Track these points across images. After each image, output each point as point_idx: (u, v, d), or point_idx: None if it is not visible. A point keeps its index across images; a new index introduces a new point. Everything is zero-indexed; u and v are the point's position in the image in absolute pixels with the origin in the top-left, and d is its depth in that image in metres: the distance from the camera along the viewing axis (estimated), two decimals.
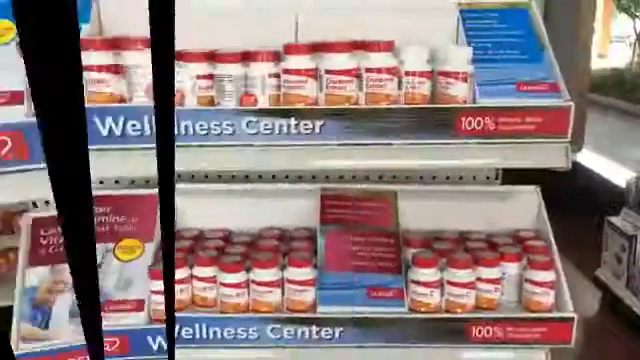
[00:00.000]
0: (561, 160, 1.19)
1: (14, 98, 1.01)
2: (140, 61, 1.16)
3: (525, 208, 1.46)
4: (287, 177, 1.62)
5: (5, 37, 1.01)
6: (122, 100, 1.18)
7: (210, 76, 1.22)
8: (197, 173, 1.59)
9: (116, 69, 1.16)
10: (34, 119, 0.90)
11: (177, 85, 1.20)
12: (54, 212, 1.17)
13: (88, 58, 1.13)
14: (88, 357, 1.10)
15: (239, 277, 1.28)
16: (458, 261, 1.28)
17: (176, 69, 1.18)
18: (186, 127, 1.19)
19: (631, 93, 8.07)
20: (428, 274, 1.28)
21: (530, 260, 1.30)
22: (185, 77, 1.22)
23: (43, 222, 1.31)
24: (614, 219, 3.72)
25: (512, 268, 1.32)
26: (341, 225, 1.40)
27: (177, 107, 1.20)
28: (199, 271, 1.29)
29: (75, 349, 1.22)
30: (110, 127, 1.14)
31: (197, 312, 1.29)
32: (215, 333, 1.27)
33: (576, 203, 4.77)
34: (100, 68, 1.13)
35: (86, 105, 1.14)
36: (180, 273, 1.28)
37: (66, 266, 1.33)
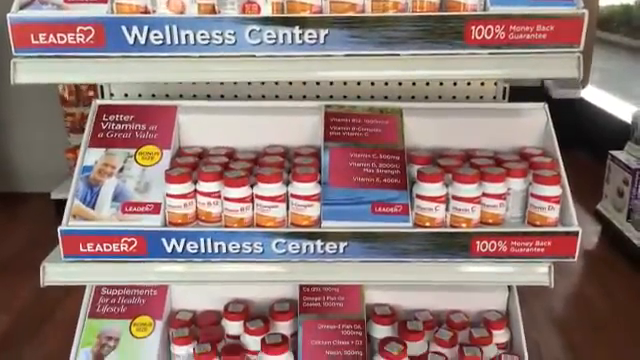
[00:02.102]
0: (572, 71, 1.16)
1: None
2: None
3: (532, 125, 1.44)
4: (291, 97, 1.59)
5: None
6: (146, 12, 1.20)
7: None
8: (199, 92, 1.57)
9: None
10: (113, 15, 1.07)
11: None
12: (116, 102, 1.31)
13: None
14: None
15: (243, 192, 1.27)
16: (464, 176, 1.27)
17: None
18: (187, 36, 1.16)
19: (639, 31, 7.88)
20: (433, 189, 1.27)
21: (536, 175, 1.29)
22: None
23: (106, 109, 1.43)
24: (617, 153, 3.71)
25: (517, 184, 1.31)
26: (346, 142, 1.39)
27: (177, 15, 1.17)
28: (203, 186, 1.28)
29: (114, 233, 1.26)
30: (135, 36, 1.16)
31: (202, 227, 1.30)
32: (220, 247, 1.27)
33: (580, 139, 4.74)
34: None
35: (115, 15, 1.13)
36: (184, 188, 1.28)
37: (116, 150, 1.33)
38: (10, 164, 4.45)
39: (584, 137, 4.79)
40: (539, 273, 1.29)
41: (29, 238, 3.78)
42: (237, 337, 1.49)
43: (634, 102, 4.76)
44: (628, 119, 3.96)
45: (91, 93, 3.83)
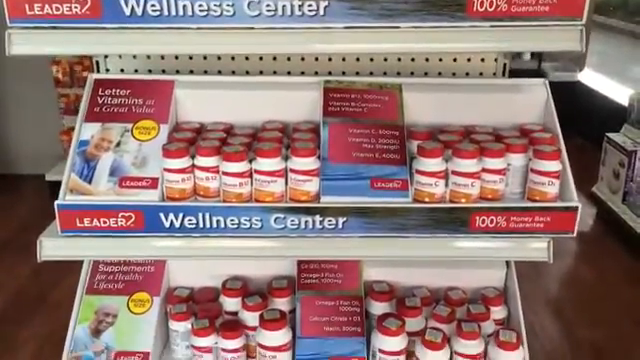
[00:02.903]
0: (575, 43, 1.15)
1: None
2: None
3: (532, 101, 1.43)
4: (289, 73, 1.58)
5: None
6: None
7: None
8: (196, 68, 1.55)
9: None
10: None
11: None
12: (113, 76, 1.33)
13: None
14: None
15: (242, 166, 1.26)
16: (463, 151, 1.26)
17: None
18: (184, 7, 1.14)
19: (635, 14, 7.85)
20: (433, 164, 1.26)
21: (536, 150, 1.28)
22: None
23: (102, 83, 1.41)
24: (614, 135, 3.71)
25: (517, 159, 1.30)
26: (345, 117, 1.37)
27: None
28: (201, 161, 1.27)
29: (112, 208, 1.24)
30: (132, 7, 1.14)
31: (200, 202, 1.29)
32: (218, 222, 1.26)
33: (577, 121, 4.74)
34: None
35: None
36: (182, 162, 1.27)
37: (113, 125, 1.32)
38: (5, 146, 4.42)
39: (581, 120, 4.79)
40: (538, 248, 1.29)
41: (24, 220, 3.76)
42: (235, 313, 1.48)
43: (631, 85, 4.76)
44: (625, 102, 3.97)
45: (85, 74, 3.79)
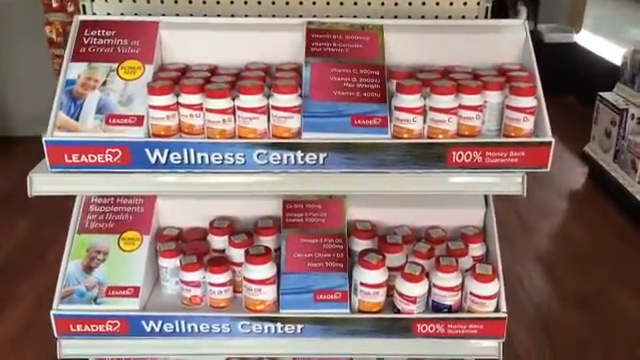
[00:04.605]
0: None
1: None
2: None
3: (511, 42, 1.45)
4: (274, 16, 1.60)
5: None
6: None
7: None
8: (182, 12, 1.57)
9: None
10: None
11: None
12: (98, 17, 1.34)
13: None
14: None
15: (225, 103, 1.29)
16: (441, 87, 1.29)
17: None
18: None
19: None
20: (411, 100, 1.29)
21: (512, 87, 1.31)
22: None
23: (88, 25, 1.44)
24: (606, 94, 3.72)
25: (494, 97, 1.33)
26: (327, 57, 1.40)
27: None
28: (185, 98, 1.30)
29: (99, 144, 1.28)
30: None
31: (184, 138, 1.32)
32: (203, 158, 1.30)
33: (572, 82, 4.75)
34: None
35: None
36: (166, 100, 1.30)
37: (99, 65, 1.36)
38: (0, 109, 4.44)
39: (576, 80, 4.79)
40: (513, 183, 1.32)
41: (21, 181, 3.81)
42: (222, 251, 1.53)
43: (627, 46, 4.74)
44: (619, 61, 3.97)
45: None
